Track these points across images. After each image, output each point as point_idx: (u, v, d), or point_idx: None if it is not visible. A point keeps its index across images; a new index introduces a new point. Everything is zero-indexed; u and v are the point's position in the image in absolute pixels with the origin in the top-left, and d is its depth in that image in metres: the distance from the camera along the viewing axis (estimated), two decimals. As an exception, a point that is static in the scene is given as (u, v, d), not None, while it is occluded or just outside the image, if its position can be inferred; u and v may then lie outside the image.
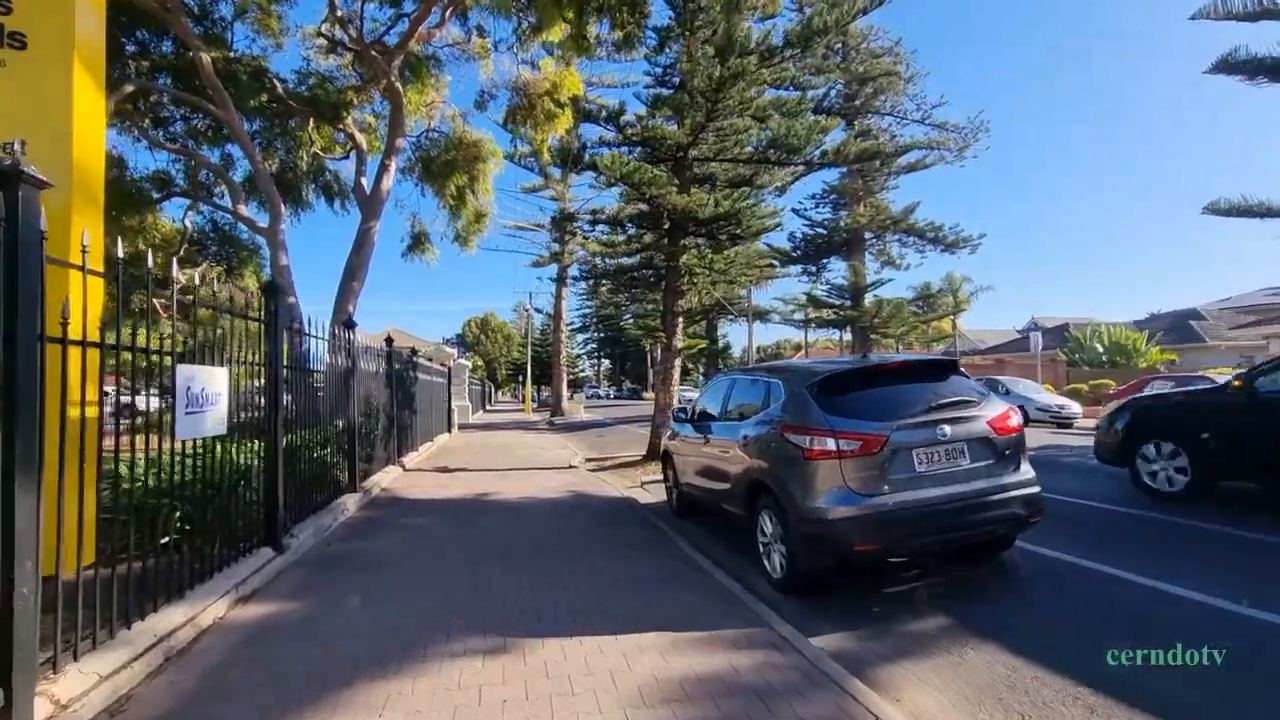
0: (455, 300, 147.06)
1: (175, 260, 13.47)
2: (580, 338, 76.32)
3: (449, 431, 17.38)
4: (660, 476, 9.17)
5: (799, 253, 28.23)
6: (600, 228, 11.63)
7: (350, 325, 7.14)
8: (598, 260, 12.94)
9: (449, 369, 18.75)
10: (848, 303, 26.42)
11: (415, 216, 14.87)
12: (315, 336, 5.62)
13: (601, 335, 76.35)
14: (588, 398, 57.26)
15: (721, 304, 30.42)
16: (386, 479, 8.70)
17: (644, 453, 11.21)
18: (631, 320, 59.44)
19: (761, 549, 4.43)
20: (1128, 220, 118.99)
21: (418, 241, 14.90)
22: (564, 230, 31.92)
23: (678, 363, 10.97)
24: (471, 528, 6.00)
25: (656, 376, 11.04)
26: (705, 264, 10.21)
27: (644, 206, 10.69)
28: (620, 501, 7.52)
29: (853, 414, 3.85)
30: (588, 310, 70.98)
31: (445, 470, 10.18)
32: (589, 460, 11.96)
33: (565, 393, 31.43)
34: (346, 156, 12.56)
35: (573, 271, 13.21)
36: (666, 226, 11.04)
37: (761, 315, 47.46)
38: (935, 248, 26.93)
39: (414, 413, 11.71)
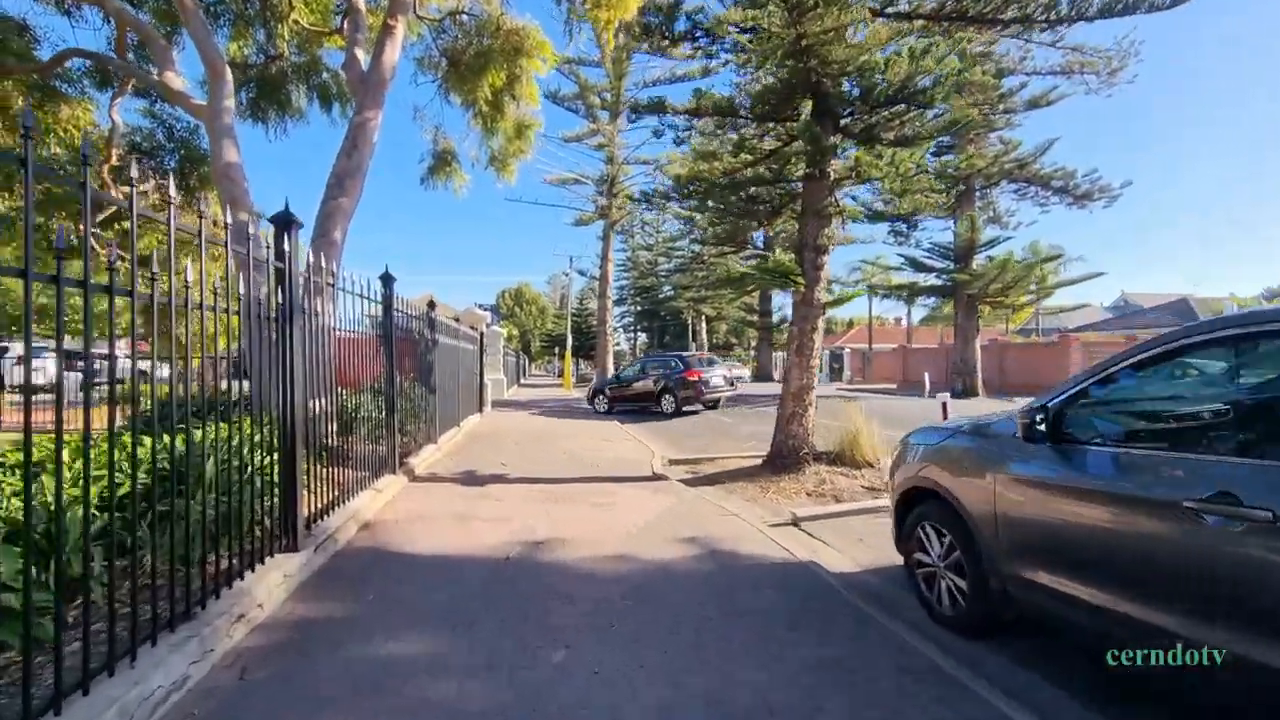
0: (489, 274, 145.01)
1: (105, 169, 10.36)
2: (616, 310, 72.33)
3: (480, 412, 14.08)
4: (821, 507, 5.56)
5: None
6: (699, 126, 7.87)
7: (286, 223, 3.62)
8: (676, 189, 9.09)
9: (481, 335, 15.37)
10: (952, 265, 22.01)
11: (439, 129, 11.30)
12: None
13: (640, 308, 72.33)
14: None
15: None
16: (376, 503, 5.29)
17: (764, 456, 7.58)
18: (672, 290, 55.60)
19: None
20: (1237, 186, 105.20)
21: (442, 162, 11.34)
22: (613, 183, 28.09)
23: (820, 324, 7.24)
24: (524, 684, 2.48)
25: (788, 345, 7.32)
26: (890, 165, 6.40)
27: (776, 80, 6.85)
28: (795, 572, 3.92)
29: None
30: (624, 282, 66.95)
31: (473, 479, 6.75)
32: (675, 463, 8.41)
33: (611, 367, 28.01)
34: (340, 30, 9.03)
35: (662, 188, 9.26)
36: (807, 113, 7.19)
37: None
38: (1062, 199, 22.27)
39: (431, 391, 8.31)
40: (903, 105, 6.83)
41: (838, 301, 7.27)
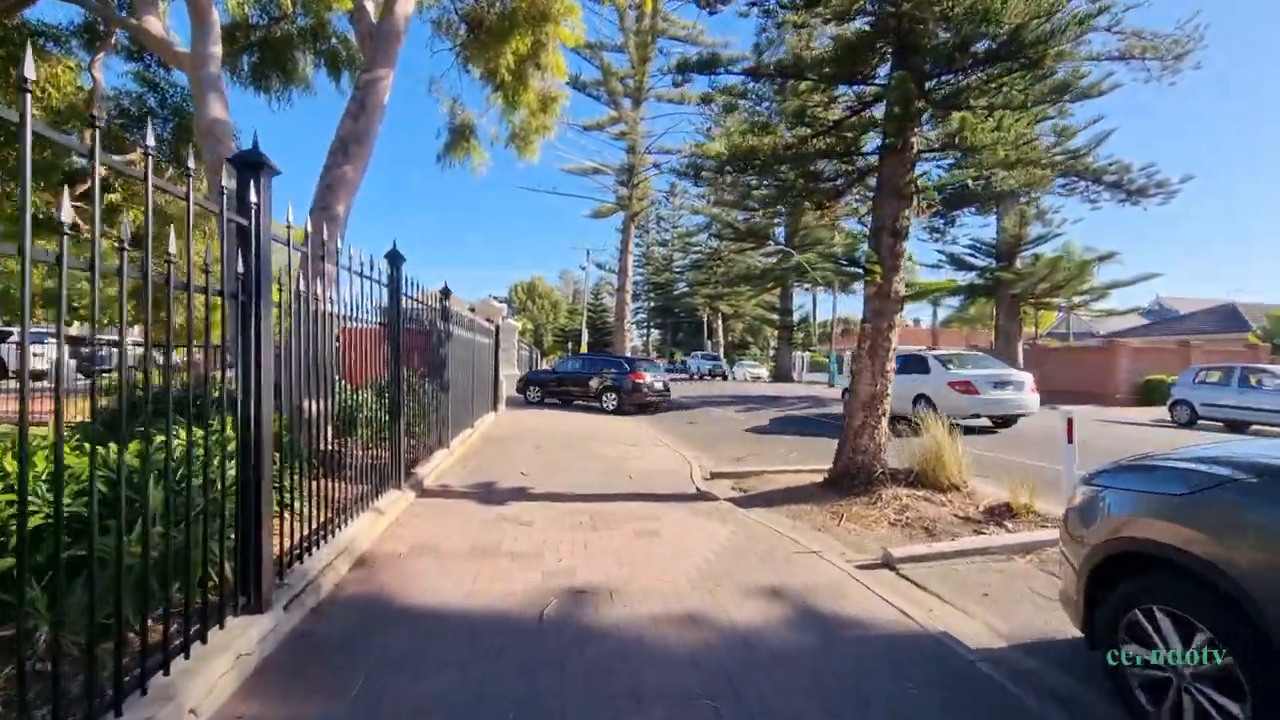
0: (500, 268, 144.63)
1: (89, 134, 9.47)
2: (631, 306, 70.95)
3: (494, 410, 13.15)
4: (915, 545, 4.46)
5: (927, 203, 22.63)
6: (753, 90, 6.82)
7: (254, 166, 2.66)
8: (723, 165, 7.95)
9: (496, 327, 14.42)
10: (994, 263, 20.77)
11: (456, 101, 10.33)
12: None
13: (653, 305, 71.13)
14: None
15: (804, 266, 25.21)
16: (375, 529, 4.35)
17: (824, 471, 6.57)
18: (687, 287, 54.18)
19: None
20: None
21: (460, 137, 10.41)
22: (634, 173, 27.05)
23: (897, 320, 6.20)
24: None
25: (858, 344, 6.29)
26: (997, 129, 5.35)
27: (854, 34, 5.80)
28: (926, 650, 2.90)
29: None
30: (639, 278, 65.68)
31: (491, 494, 5.80)
32: (718, 476, 7.42)
33: (628, 364, 27.04)
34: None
35: (707, 163, 8.12)
36: (886, 73, 6.14)
37: (845, 283, 41.56)
38: (1114, 195, 20.93)
39: (443, 388, 7.37)
40: (1005, 64, 5.76)
41: (920, 294, 6.22)
